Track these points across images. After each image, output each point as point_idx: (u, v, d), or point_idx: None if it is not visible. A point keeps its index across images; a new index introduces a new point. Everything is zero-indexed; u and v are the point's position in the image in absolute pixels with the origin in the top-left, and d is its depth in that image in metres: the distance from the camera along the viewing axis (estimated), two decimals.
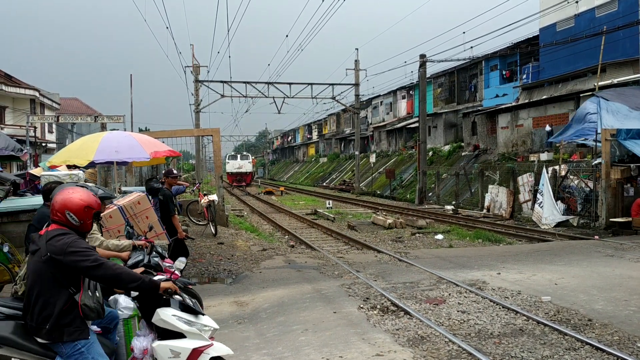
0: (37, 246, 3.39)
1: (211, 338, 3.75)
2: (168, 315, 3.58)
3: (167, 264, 5.16)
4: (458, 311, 6.53)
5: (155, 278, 3.66)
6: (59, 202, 3.43)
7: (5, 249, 7.33)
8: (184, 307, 3.72)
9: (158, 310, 3.58)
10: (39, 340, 3.33)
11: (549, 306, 6.63)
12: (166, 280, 3.61)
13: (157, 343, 3.57)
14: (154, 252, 5.13)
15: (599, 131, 14.70)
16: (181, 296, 3.69)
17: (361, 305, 6.94)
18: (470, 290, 7.51)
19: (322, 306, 7.07)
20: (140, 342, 3.63)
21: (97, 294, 3.51)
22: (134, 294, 3.75)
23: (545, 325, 5.86)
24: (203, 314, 3.81)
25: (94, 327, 3.81)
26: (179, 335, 3.60)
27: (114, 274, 3.33)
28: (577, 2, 23.10)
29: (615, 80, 20.20)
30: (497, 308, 6.62)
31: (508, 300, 6.95)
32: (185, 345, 3.56)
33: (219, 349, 3.70)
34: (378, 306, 6.88)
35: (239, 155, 55.71)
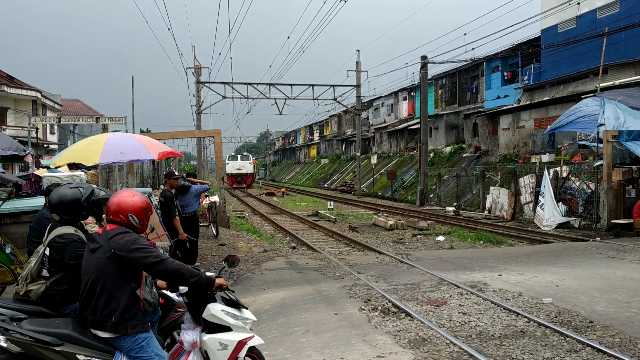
0: (97, 244, 3.49)
1: (250, 329, 3.96)
2: (218, 311, 3.77)
3: None
4: (459, 313, 6.54)
5: (208, 274, 3.80)
6: (119, 205, 3.57)
7: (8, 250, 7.36)
8: (227, 301, 3.90)
9: (209, 305, 3.75)
10: (101, 334, 3.42)
11: (550, 308, 6.63)
12: (217, 276, 3.76)
13: (207, 336, 3.75)
14: None
15: (600, 126, 14.68)
16: (218, 299, 3.87)
17: (362, 307, 6.94)
18: (471, 292, 7.51)
19: (324, 307, 7.07)
20: (189, 336, 3.78)
21: (154, 290, 3.67)
22: (183, 290, 3.91)
23: (547, 327, 5.86)
24: (246, 308, 4.00)
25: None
26: (224, 327, 3.79)
27: (175, 269, 3.46)
28: (578, 3, 23.11)
29: (617, 82, 20.18)
30: (498, 310, 6.62)
31: (509, 302, 6.95)
32: (232, 337, 3.78)
33: (256, 340, 3.95)
34: (379, 308, 6.89)
35: (239, 156, 53.46)
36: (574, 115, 16.25)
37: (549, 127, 22.29)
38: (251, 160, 53.96)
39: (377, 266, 10.20)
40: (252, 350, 3.98)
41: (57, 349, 3.28)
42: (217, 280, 3.67)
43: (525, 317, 6.23)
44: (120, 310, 3.39)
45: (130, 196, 3.65)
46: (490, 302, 6.94)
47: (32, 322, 3.39)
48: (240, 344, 3.78)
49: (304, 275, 9.61)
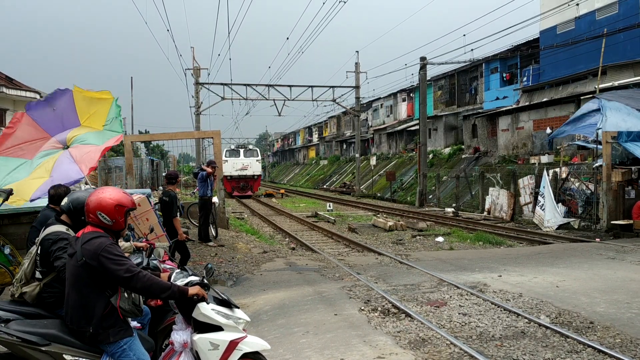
0: (73, 249, 3.42)
1: (244, 330, 3.87)
2: (208, 310, 3.69)
3: (168, 266, 5.17)
4: (459, 314, 6.52)
5: (187, 280, 3.73)
6: (91, 203, 3.47)
7: (7, 251, 7.34)
8: (219, 301, 3.84)
9: (198, 305, 3.67)
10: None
11: (550, 308, 6.61)
12: (195, 284, 3.66)
13: (197, 336, 3.67)
14: (153, 255, 5.13)
15: (599, 129, 14.69)
16: (210, 299, 3.79)
17: (362, 308, 6.93)
18: (471, 293, 7.50)
19: (323, 308, 7.05)
20: (180, 336, 3.72)
21: (133, 295, 3.55)
22: None
23: (547, 327, 5.84)
24: (237, 307, 3.92)
25: (134, 323, 3.91)
26: (216, 327, 3.72)
27: (145, 286, 3.37)
28: (577, 4, 23.14)
29: (616, 83, 20.22)
30: (499, 310, 6.61)
31: (509, 303, 6.93)
32: (224, 337, 3.69)
33: (253, 342, 3.83)
34: (379, 308, 6.87)
35: (241, 150, 37.98)
36: (575, 118, 16.30)
37: (547, 129, 22.36)
38: (259, 157, 39.02)
39: (376, 267, 10.19)
40: (258, 357, 3.88)
41: (43, 349, 3.26)
42: (190, 291, 3.55)
43: (526, 317, 6.21)
44: (97, 320, 3.33)
45: (101, 193, 3.51)
46: (491, 303, 6.92)
47: (19, 322, 3.38)
48: (232, 344, 3.69)
49: (304, 276, 9.59)
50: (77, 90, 7.80)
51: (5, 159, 7.15)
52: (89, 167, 7.03)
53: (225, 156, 35.63)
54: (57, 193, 4.91)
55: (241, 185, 36.76)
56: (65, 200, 4.14)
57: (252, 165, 37.29)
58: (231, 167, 36.14)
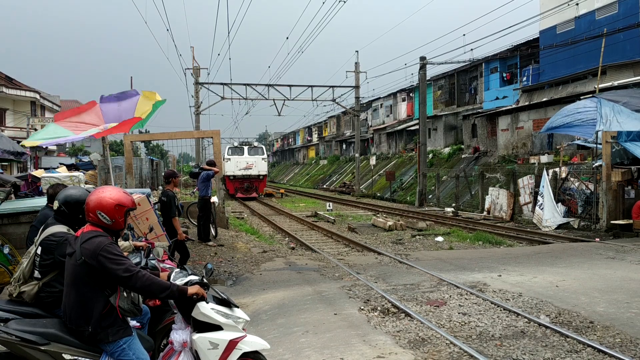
0: (72, 249, 3.40)
1: (243, 329, 3.86)
2: (207, 309, 3.67)
3: (167, 265, 5.17)
4: (459, 313, 6.52)
5: (187, 279, 3.72)
6: (91, 202, 3.46)
7: (6, 251, 7.34)
8: (219, 300, 3.84)
9: (198, 304, 3.66)
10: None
11: (550, 308, 6.61)
12: (194, 284, 3.65)
13: (197, 335, 3.67)
14: (152, 254, 5.13)
15: (598, 130, 14.68)
16: (209, 298, 3.78)
17: (362, 307, 6.92)
18: (471, 292, 7.50)
19: (323, 308, 7.05)
20: (179, 336, 3.71)
21: (132, 294, 3.54)
22: None
23: (547, 327, 5.84)
24: (237, 306, 3.91)
25: (134, 322, 3.90)
26: (215, 327, 3.71)
27: (144, 285, 3.36)
28: (577, 4, 23.13)
29: (616, 83, 20.21)
30: (498, 310, 6.61)
31: (509, 302, 6.93)
32: (223, 337, 3.68)
33: (252, 341, 3.81)
34: (379, 308, 6.87)
35: (246, 148, 34.52)
36: (572, 116, 16.21)
37: (545, 125, 22.29)
38: (264, 155, 35.14)
39: (376, 267, 10.18)
40: (257, 356, 3.87)
41: (42, 348, 3.25)
42: (190, 290, 3.54)
43: (526, 317, 6.21)
44: (96, 319, 3.32)
45: (102, 192, 3.50)
46: (490, 303, 6.92)
47: (19, 322, 3.37)
48: (232, 343, 3.68)
49: (303, 275, 9.59)
50: (144, 95, 9.15)
51: (59, 127, 8.50)
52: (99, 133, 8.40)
53: (228, 154, 33.23)
54: (55, 192, 4.89)
55: (245, 186, 33.61)
56: (56, 204, 4.09)
57: (258, 164, 33.73)
58: (234, 166, 33.10)
